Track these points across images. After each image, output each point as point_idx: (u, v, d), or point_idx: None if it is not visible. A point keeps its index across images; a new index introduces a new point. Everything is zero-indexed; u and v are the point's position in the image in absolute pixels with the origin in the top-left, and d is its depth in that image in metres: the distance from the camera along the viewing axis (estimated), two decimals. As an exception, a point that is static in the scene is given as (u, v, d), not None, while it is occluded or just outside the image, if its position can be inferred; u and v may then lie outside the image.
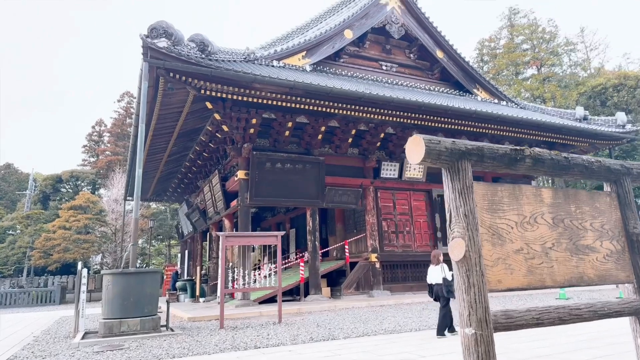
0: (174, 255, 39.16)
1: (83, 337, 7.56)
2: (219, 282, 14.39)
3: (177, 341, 6.95)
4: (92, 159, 47.71)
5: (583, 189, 2.66)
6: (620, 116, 16.52)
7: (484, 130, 15.40)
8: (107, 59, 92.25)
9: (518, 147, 2.16)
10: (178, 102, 12.14)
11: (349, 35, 15.76)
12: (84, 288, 10.55)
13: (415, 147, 1.83)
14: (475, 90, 17.60)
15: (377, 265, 14.32)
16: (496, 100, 17.55)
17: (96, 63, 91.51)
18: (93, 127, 49.08)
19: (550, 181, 29.13)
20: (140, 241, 35.85)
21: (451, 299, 6.63)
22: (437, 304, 6.91)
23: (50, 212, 36.25)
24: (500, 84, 25.66)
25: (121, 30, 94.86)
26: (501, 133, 15.58)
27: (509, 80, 28.87)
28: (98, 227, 32.08)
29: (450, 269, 6.80)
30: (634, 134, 16.72)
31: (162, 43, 10.01)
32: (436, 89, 17.18)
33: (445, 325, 6.50)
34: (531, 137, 15.98)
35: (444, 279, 6.68)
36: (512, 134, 15.57)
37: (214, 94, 11.30)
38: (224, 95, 11.49)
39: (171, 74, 10.31)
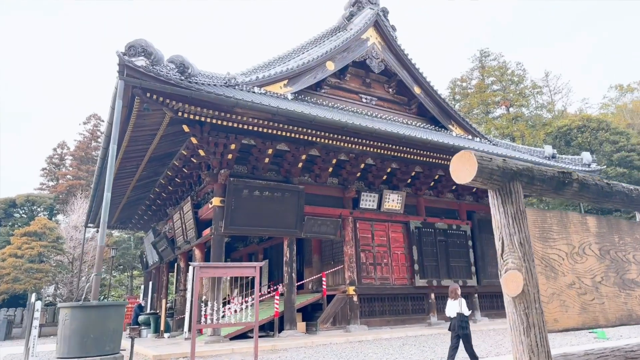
0: (136, 286, 37.04)
1: (33, 380, 6.68)
2: (186, 316, 13.52)
3: (144, 383, 6.23)
4: (51, 183, 45.34)
5: (621, 219, 2.47)
6: (586, 156, 17.27)
7: (460, 164, 15.59)
8: (75, 80, 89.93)
9: (566, 170, 1.95)
10: (152, 124, 11.66)
11: (330, 66, 15.91)
12: (36, 323, 9.53)
13: (464, 165, 1.60)
14: (450, 126, 18.02)
15: (355, 298, 13.88)
16: (470, 137, 18.00)
17: (64, 83, 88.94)
18: (54, 149, 46.98)
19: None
20: (101, 274, 33.78)
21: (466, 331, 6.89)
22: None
23: (0, 238, 33.74)
24: (472, 122, 26.55)
25: (93, 50, 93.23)
26: (476, 167, 15.82)
27: (480, 119, 30.07)
28: (53, 256, 30.02)
29: (467, 305, 7.45)
30: (598, 173, 17.44)
31: (140, 62, 9.65)
32: (413, 123, 17.47)
33: (455, 352, 6.82)
34: (504, 172, 16.31)
35: (459, 314, 6.94)
36: (487, 169, 15.83)
37: (192, 116, 10.93)
38: (203, 119, 11.13)
39: (148, 94, 9.91)
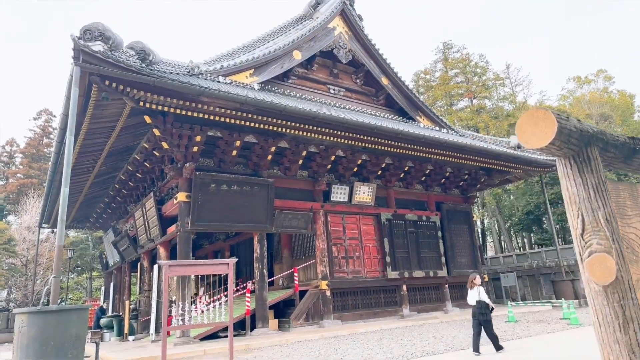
0: (96, 288, 35.33)
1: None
2: (152, 317, 12.85)
3: (108, 394, 5.72)
4: (0, 182, 42.39)
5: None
6: (549, 145, 17.80)
7: (429, 156, 15.69)
8: (23, 72, 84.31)
9: (636, 137, 1.70)
10: (111, 115, 10.88)
11: (297, 56, 15.51)
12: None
13: (538, 125, 1.30)
14: (418, 117, 18.09)
15: (328, 293, 13.67)
16: (437, 128, 18.14)
17: (9, 75, 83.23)
18: (3, 147, 43.88)
19: (487, 215, 30.73)
20: (60, 277, 31.90)
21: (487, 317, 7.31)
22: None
23: (-56, 242, 31.15)
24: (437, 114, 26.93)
25: (43, 39, 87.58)
26: (444, 158, 15.97)
27: (444, 111, 30.60)
28: (5, 259, 28.05)
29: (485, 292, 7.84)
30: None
31: (98, 47, 8.90)
32: (381, 115, 17.39)
33: (479, 338, 7.20)
34: (471, 162, 16.58)
35: (478, 302, 7.40)
36: (455, 159, 16.03)
37: (154, 106, 10.26)
38: (166, 109, 10.48)
39: (106, 82, 9.17)
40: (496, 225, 32.83)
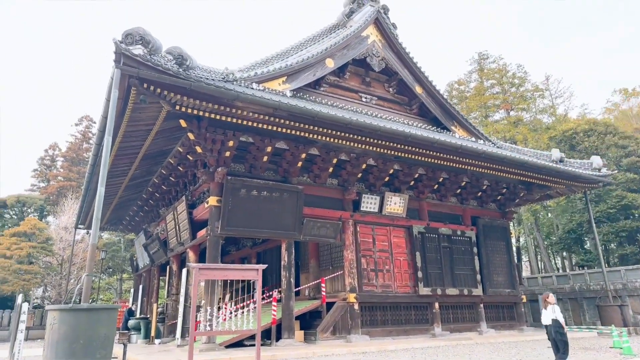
0: (126, 290, 36.11)
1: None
2: (178, 321, 12.82)
3: (132, 397, 5.58)
4: (42, 184, 44.37)
5: None
6: (596, 160, 16.86)
7: (465, 167, 15.13)
8: (69, 81, 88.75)
9: None
10: (148, 119, 11.05)
11: (330, 64, 15.39)
12: (22, 326, 8.83)
13: None
14: (452, 127, 17.55)
15: (356, 306, 13.25)
16: (473, 139, 17.53)
17: (58, 84, 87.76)
18: (46, 150, 46.09)
19: (524, 232, 29.44)
20: (93, 276, 32.81)
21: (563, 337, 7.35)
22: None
23: (-10, 239, 32.71)
24: (472, 125, 26.13)
25: (89, 51, 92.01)
26: (481, 170, 15.39)
27: (479, 122, 29.71)
28: (42, 257, 29.09)
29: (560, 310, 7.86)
30: (610, 178, 17.05)
31: (138, 50, 9.05)
32: (414, 124, 16.96)
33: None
34: (510, 175, 15.89)
35: (554, 320, 7.38)
36: (492, 172, 15.42)
37: (190, 110, 10.34)
38: (201, 113, 10.55)
39: (145, 85, 9.31)
40: (533, 244, 31.38)
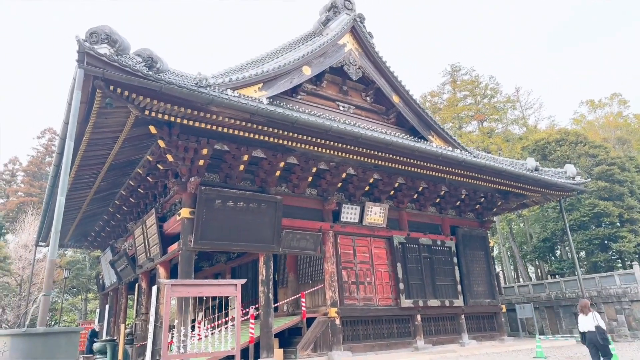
0: (91, 310, 34.14)
1: None
2: (148, 343, 11.89)
3: None
4: (0, 200, 41.87)
5: None
6: (570, 168, 17.12)
7: (443, 176, 15.04)
8: (29, 89, 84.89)
9: None
10: (115, 125, 10.33)
11: (307, 71, 15.07)
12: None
13: None
14: (430, 137, 17.48)
15: (337, 321, 12.73)
16: (450, 148, 17.49)
17: (13, 91, 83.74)
18: (6, 164, 43.71)
19: (498, 242, 29.75)
20: (51, 294, 30.79)
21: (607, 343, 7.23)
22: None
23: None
24: (448, 135, 26.33)
25: (56, 58, 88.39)
26: (460, 179, 15.32)
27: (453, 133, 30.10)
28: (-1, 277, 27.15)
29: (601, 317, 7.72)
30: (584, 186, 17.32)
31: (104, 50, 8.43)
32: (392, 133, 16.74)
33: None
34: (488, 184, 15.90)
35: (598, 327, 7.23)
36: (471, 181, 15.38)
37: (160, 115, 9.72)
38: (172, 119, 9.94)
39: (111, 87, 8.66)
40: (507, 253, 31.75)
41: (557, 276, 23.91)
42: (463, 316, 15.73)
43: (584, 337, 7.54)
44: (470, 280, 16.44)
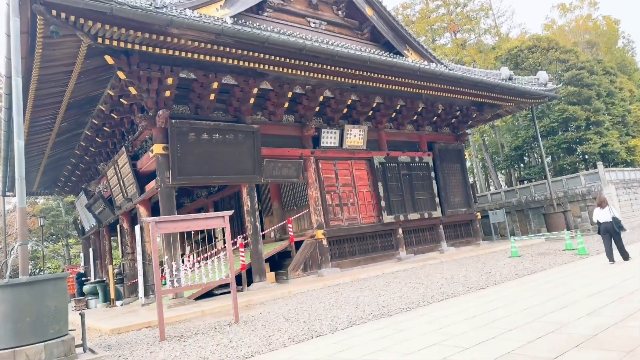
0: (75, 255, 34.12)
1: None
2: (139, 280, 11.99)
3: (102, 372, 4.90)
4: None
5: None
6: (543, 75, 17.07)
7: (420, 92, 14.79)
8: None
9: None
10: (66, 57, 9.30)
11: (273, -16, 13.81)
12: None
13: None
14: (405, 52, 16.83)
15: (324, 242, 13.05)
16: (426, 62, 17.00)
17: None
18: (-50, 113, 40.25)
19: (472, 154, 30.40)
20: (29, 244, 30.31)
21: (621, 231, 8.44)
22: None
23: None
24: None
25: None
26: (436, 94, 15.08)
27: (427, 46, 29.25)
28: (-31, 232, 26.27)
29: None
30: (555, 92, 17.43)
31: (36, -34, 7.26)
32: (367, 50, 15.93)
33: (611, 249, 8.39)
34: (464, 97, 15.79)
35: (614, 218, 8.34)
36: (447, 94, 15.15)
37: (115, 43, 8.78)
38: (130, 46, 9.02)
39: (54, 12, 7.61)
40: (479, 164, 32.80)
41: (526, 182, 25.05)
42: (441, 226, 16.46)
43: (600, 228, 8.55)
44: (447, 193, 16.97)
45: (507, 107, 18.38)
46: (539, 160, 25.67)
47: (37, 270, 29.97)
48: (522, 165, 29.09)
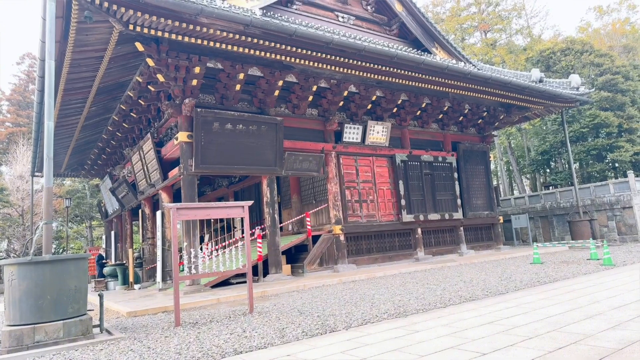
0: (97, 237, 35.09)
1: (-25, 355, 5.31)
2: (158, 265, 12.22)
3: (120, 350, 4.99)
4: (-12, 132, 40.79)
5: None
6: (575, 78, 16.52)
7: (447, 90, 14.51)
8: (1, 14, 79.05)
9: None
10: (98, 42, 9.50)
11: (302, -22, 13.76)
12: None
13: None
14: (434, 50, 16.56)
15: (342, 237, 13.02)
16: (454, 61, 16.68)
17: (-13, 21, 78.01)
18: (-13, 94, 41.82)
19: (497, 157, 29.81)
20: (54, 224, 31.25)
21: None
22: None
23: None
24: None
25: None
26: (464, 93, 14.79)
27: (456, 44, 28.68)
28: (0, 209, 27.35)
29: None
30: (587, 96, 16.86)
31: (73, -48, 7.41)
32: (394, 46, 15.77)
33: None
34: (491, 97, 15.43)
35: None
36: (474, 94, 14.84)
37: (146, 30, 8.89)
38: (160, 34, 9.13)
39: (88, -3, 7.76)
40: (505, 167, 32.07)
41: (551, 187, 24.37)
42: (462, 228, 16.19)
43: None
44: (469, 194, 16.67)
45: (536, 110, 17.88)
46: (566, 166, 24.92)
47: (61, 250, 30.98)
48: (548, 170, 28.32)
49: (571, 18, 61.90)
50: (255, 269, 11.52)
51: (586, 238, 17.18)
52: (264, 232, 12.47)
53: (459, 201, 16.25)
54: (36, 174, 19.94)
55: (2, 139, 37.72)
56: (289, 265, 12.54)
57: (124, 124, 14.79)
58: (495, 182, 36.53)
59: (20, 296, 5.36)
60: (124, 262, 16.48)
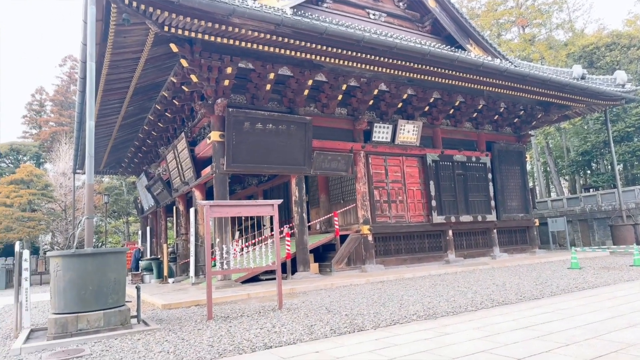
0: (133, 232, 36.38)
1: (27, 339, 5.64)
2: (191, 260, 12.55)
3: (156, 340, 5.15)
4: (34, 131, 43.10)
5: None
6: (621, 75, 15.71)
7: (482, 88, 14.11)
8: (44, 18, 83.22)
9: None
10: (135, 44, 9.83)
11: (333, -24, 13.73)
12: (26, 274, 8.39)
13: None
14: (468, 46, 16.14)
15: (370, 237, 12.93)
16: (490, 57, 16.21)
17: (31, 23, 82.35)
18: (33, 95, 44.19)
19: (534, 157, 28.80)
20: (95, 218, 32.71)
21: None
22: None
23: (-13, 189, 32.22)
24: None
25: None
26: (499, 91, 14.37)
27: (492, 40, 27.84)
28: (44, 204, 28.81)
29: None
30: (634, 94, 16.02)
31: (113, -42, 7.70)
32: (427, 43, 15.47)
33: None
34: (528, 95, 14.89)
35: None
36: (510, 92, 14.39)
37: (180, 31, 9.13)
38: (193, 35, 9.35)
39: (126, 1, 8.05)
40: (542, 168, 30.90)
41: (592, 190, 23.31)
42: (495, 230, 15.74)
43: None
44: (504, 196, 16.18)
45: (577, 109, 17.12)
46: (609, 167, 23.77)
47: (100, 244, 32.33)
48: (588, 171, 27.09)
49: (617, 11, 58.69)
50: (283, 267, 11.61)
51: (629, 243, 16.33)
52: (292, 231, 12.56)
53: (492, 203, 15.79)
54: (77, 171, 20.90)
55: (46, 137, 39.71)
56: (317, 264, 12.57)
57: (159, 124, 15.26)
58: (531, 184, 35.28)
59: (64, 286, 5.64)
60: (159, 256, 17.00)
